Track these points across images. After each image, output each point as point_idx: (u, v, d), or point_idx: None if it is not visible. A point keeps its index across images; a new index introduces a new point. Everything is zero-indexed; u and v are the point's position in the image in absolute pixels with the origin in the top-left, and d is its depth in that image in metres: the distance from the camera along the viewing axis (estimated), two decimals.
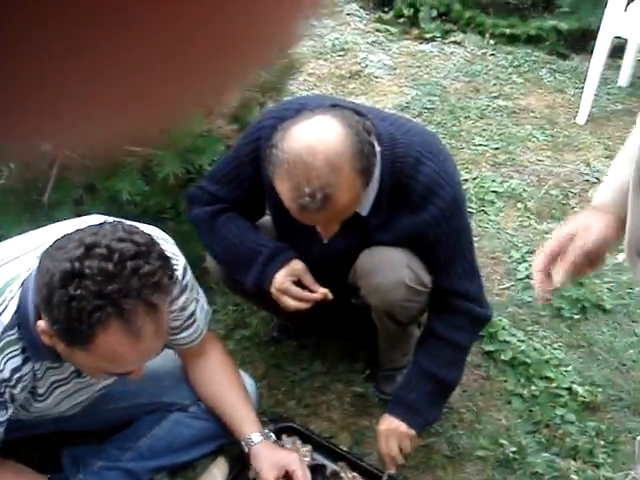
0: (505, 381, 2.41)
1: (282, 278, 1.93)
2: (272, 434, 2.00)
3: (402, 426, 1.98)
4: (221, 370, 2.01)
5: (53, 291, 1.38)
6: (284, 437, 2.12)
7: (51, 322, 1.43)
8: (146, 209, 2.49)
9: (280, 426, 2.15)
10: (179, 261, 1.76)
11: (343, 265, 2.05)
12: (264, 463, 1.89)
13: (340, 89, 4.25)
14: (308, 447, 2.11)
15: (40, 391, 1.70)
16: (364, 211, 1.89)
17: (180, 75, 0.24)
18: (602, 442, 2.23)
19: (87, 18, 0.21)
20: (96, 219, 1.66)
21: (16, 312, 1.52)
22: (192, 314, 1.88)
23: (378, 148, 1.81)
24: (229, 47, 0.24)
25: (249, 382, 2.14)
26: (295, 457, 1.94)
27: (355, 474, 2.05)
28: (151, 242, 1.46)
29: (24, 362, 1.58)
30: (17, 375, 1.58)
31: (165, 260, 1.47)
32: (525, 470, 2.15)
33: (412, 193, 1.87)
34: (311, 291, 1.95)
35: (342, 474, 2.05)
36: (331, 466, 2.09)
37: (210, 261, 2.18)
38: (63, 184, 2.23)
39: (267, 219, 2.14)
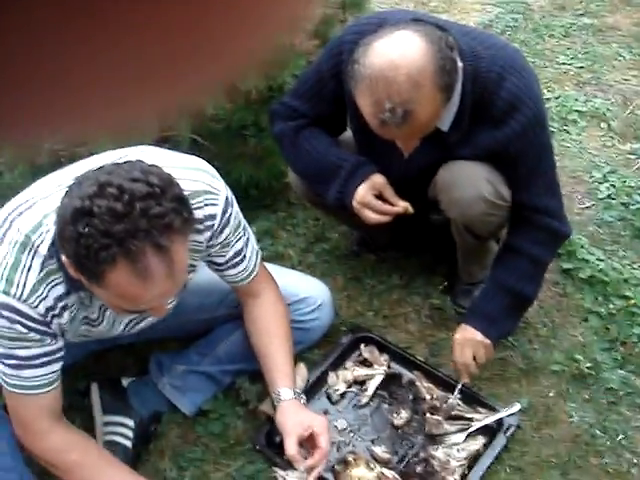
0: (582, 299, 2.42)
1: (363, 191, 1.96)
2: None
3: (477, 335, 2.00)
4: (268, 319, 1.99)
5: (65, 227, 1.39)
6: (362, 346, 2.19)
7: (65, 257, 1.45)
8: (229, 125, 2.54)
9: (358, 335, 2.22)
10: (219, 195, 1.73)
11: (423, 180, 2.06)
12: (290, 420, 1.86)
13: (421, 7, 4.18)
14: (385, 356, 2.18)
15: (93, 317, 1.72)
16: (445, 126, 1.89)
17: (182, 61, 0.24)
18: None
19: (86, 10, 0.21)
20: (142, 150, 1.66)
21: (53, 244, 1.53)
22: (239, 252, 1.86)
23: (460, 63, 1.80)
24: (243, 26, 0.24)
25: (327, 294, 2.18)
26: (322, 420, 1.89)
27: (430, 384, 2.10)
28: (168, 183, 1.42)
29: (68, 291, 1.60)
30: (62, 303, 1.60)
31: (181, 202, 1.43)
32: (599, 386, 2.17)
33: (494, 108, 1.86)
34: (392, 204, 1.97)
35: (418, 383, 2.11)
36: (407, 375, 2.15)
37: (292, 176, 2.22)
38: None
39: (348, 135, 2.15)
